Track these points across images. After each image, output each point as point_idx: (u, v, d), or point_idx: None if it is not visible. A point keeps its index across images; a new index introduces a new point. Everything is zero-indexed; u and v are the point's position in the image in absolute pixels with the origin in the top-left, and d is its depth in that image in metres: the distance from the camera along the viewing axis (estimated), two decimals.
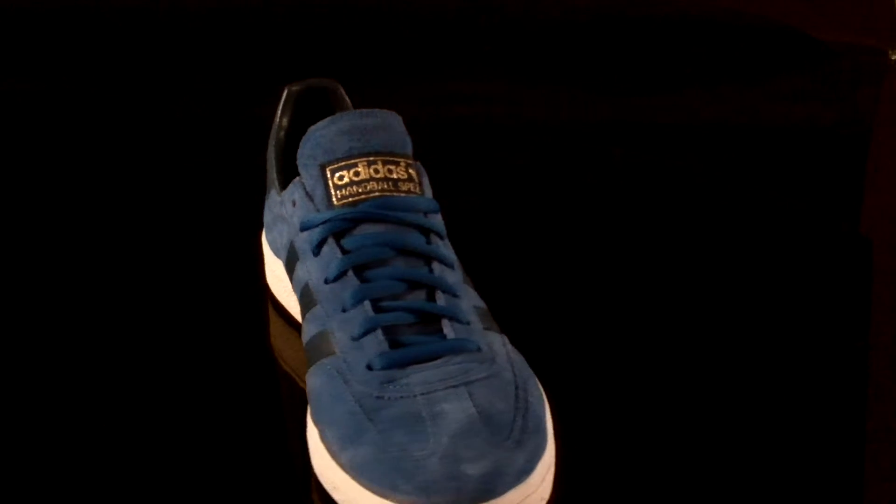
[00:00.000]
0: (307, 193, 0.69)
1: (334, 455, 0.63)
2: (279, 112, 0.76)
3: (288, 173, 0.74)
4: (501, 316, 0.69)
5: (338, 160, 0.67)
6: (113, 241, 0.87)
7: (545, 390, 0.66)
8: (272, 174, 0.76)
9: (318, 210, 0.68)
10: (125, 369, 0.75)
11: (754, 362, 0.74)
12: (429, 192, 0.70)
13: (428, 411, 0.62)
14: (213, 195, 0.92)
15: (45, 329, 0.77)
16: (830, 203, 0.93)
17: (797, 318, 0.78)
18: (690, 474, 0.65)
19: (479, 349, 0.64)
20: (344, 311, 0.66)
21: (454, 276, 0.67)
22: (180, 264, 0.84)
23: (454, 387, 0.62)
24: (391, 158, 0.67)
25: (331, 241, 0.67)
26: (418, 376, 0.63)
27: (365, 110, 0.69)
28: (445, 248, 0.69)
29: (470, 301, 0.67)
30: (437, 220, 0.69)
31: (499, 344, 0.66)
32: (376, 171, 0.67)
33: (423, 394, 0.62)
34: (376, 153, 0.67)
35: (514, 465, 0.59)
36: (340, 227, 0.67)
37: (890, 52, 1.20)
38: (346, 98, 0.77)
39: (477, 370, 0.63)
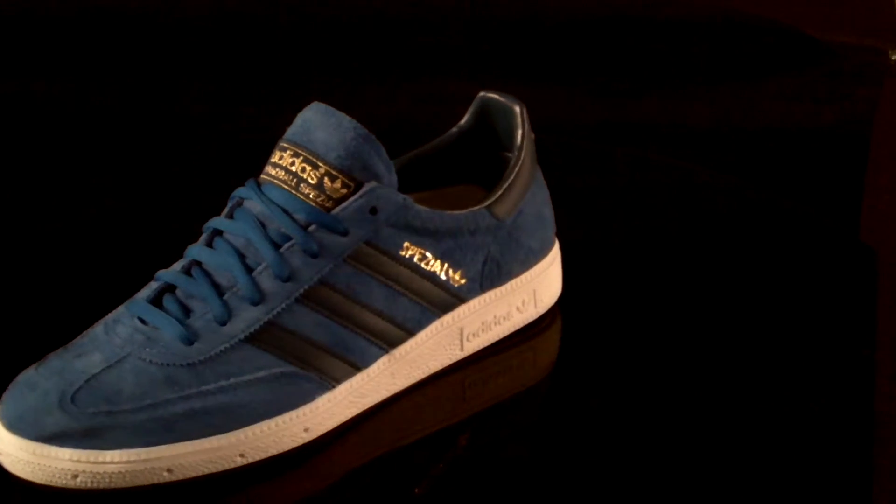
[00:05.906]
0: None
1: None
2: (469, 111, 0.77)
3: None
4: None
5: (282, 140, 0.68)
6: (118, 240, 0.87)
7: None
8: None
9: None
10: None
11: (754, 362, 0.74)
12: (347, 215, 0.66)
13: (84, 350, 0.64)
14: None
15: (47, 329, 0.77)
16: (830, 203, 0.93)
17: (798, 318, 0.78)
18: (696, 479, 0.65)
19: (188, 342, 0.64)
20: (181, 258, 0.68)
21: (272, 287, 0.65)
22: None
23: (119, 348, 0.64)
24: (313, 160, 0.66)
25: (233, 204, 0.68)
26: (123, 329, 0.64)
27: (333, 109, 0.68)
28: (300, 261, 0.66)
29: (267, 315, 0.65)
30: (320, 238, 0.66)
31: (248, 365, 0.65)
32: (292, 164, 0.67)
33: (106, 340, 0.64)
34: (303, 149, 0.67)
35: (40, 427, 0.61)
36: (244, 195, 0.68)
37: (890, 52, 1.21)
38: (525, 121, 0.75)
39: (157, 355, 0.64)
